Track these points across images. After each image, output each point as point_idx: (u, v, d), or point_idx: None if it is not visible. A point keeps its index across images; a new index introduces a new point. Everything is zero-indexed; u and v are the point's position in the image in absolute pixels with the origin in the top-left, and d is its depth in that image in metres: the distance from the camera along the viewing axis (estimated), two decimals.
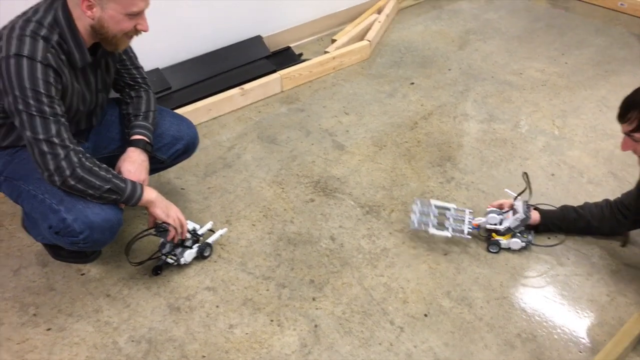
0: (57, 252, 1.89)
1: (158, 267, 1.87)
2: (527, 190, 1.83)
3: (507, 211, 1.91)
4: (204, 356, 1.61)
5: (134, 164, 1.76)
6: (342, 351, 1.62)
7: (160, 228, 1.78)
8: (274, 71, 2.78)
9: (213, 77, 2.73)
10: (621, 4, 3.42)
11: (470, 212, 1.97)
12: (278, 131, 2.51)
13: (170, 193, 2.18)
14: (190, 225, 1.89)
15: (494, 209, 1.92)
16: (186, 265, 1.87)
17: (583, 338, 1.65)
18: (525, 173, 1.85)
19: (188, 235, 1.85)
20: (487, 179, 2.22)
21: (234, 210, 2.10)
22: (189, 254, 1.85)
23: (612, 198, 2.10)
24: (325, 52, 2.95)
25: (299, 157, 2.35)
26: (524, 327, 1.68)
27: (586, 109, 2.61)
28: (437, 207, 1.98)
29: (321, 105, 2.68)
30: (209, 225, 1.98)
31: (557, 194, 2.14)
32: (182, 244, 1.85)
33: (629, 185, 2.15)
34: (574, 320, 1.70)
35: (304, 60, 2.91)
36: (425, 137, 2.45)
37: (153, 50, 2.63)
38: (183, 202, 2.14)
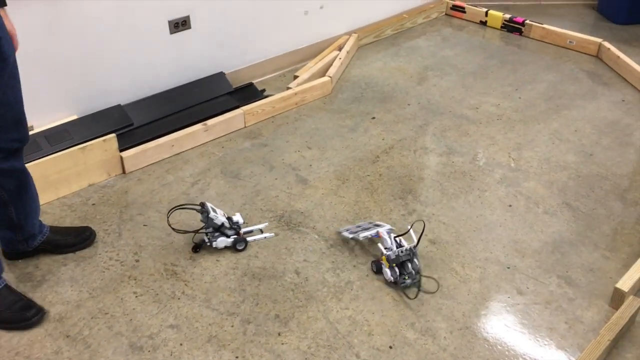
0: None
1: (198, 245, 2.05)
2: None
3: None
4: None
5: None
6: None
7: (204, 209, 1.98)
8: (237, 107, 2.81)
9: (176, 113, 2.74)
10: (570, 42, 3.59)
11: (391, 229, 2.07)
12: (241, 166, 2.53)
13: (132, 230, 2.16)
14: (236, 217, 2.05)
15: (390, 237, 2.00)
16: (158, 300, 1.84)
17: None
18: (422, 221, 2.02)
19: (227, 224, 2.01)
20: (448, 210, 2.27)
21: None
22: (222, 241, 2.02)
23: (566, 228, 2.18)
24: (288, 88, 2.99)
25: (262, 191, 2.37)
26: (487, 357, 1.70)
27: (540, 141, 2.71)
28: (373, 223, 2.12)
29: (284, 140, 2.71)
30: (261, 225, 2.14)
31: (515, 224, 2.20)
32: (221, 231, 2.00)
33: (583, 215, 2.23)
34: (534, 349, 1.73)
35: (266, 96, 2.94)
36: (386, 171, 2.50)
37: (115, 86, 2.64)
38: (146, 239, 2.12)
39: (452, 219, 2.23)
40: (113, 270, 1.99)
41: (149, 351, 1.71)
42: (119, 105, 2.64)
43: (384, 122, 2.85)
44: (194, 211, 2.08)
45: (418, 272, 1.93)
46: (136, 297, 1.89)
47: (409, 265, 1.91)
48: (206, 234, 2.05)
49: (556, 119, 2.89)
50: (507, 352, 1.72)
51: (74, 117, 2.55)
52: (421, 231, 2.00)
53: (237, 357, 1.69)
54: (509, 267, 2.01)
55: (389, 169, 2.51)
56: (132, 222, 2.20)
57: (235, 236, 2.05)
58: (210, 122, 2.68)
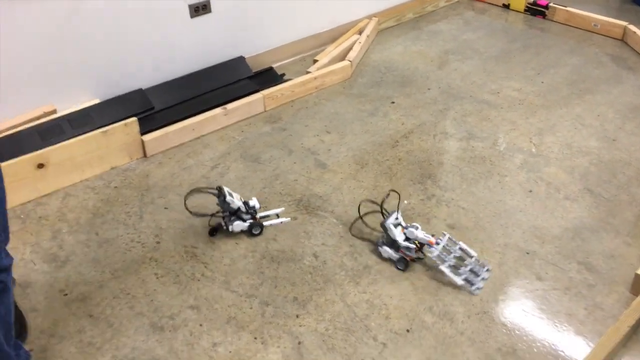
0: None
1: (214, 229, 2.08)
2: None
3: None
4: None
5: None
6: None
7: (221, 193, 2.01)
8: (257, 91, 2.82)
9: (196, 97, 2.76)
10: (594, 25, 3.52)
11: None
12: (261, 150, 2.54)
13: (153, 212, 2.19)
14: (252, 202, 2.06)
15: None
16: (178, 281, 1.88)
17: (562, 351, 1.68)
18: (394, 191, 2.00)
19: (243, 209, 2.03)
20: (467, 195, 2.26)
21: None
22: (238, 225, 2.04)
23: (587, 214, 2.16)
24: (307, 72, 2.99)
25: (281, 175, 2.38)
26: (504, 342, 1.70)
27: (562, 126, 2.67)
28: (461, 248, 1.96)
29: (303, 124, 2.71)
30: (277, 210, 2.13)
31: (535, 210, 2.19)
32: (238, 215, 2.02)
33: (604, 201, 2.21)
34: (552, 334, 1.73)
35: (286, 80, 2.94)
36: (406, 155, 2.49)
37: (136, 70, 2.66)
38: (167, 222, 2.15)
39: (471, 204, 2.22)
40: (134, 252, 2.02)
41: (170, 331, 1.74)
42: (140, 90, 2.66)
43: (404, 107, 2.84)
44: (212, 195, 2.10)
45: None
46: (157, 278, 1.92)
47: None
48: (223, 217, 2.07)
49: (579, 103, 2.85)
50: (525, 337, 1.72)
51: (96, 101, 2.58)
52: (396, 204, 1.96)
53: (255, 339, 1.71)
54: (528, 253, 2.00)
55: (409, 154, 2.50)
56: (153, 204, 2.23)
57: (251, 220, 2.06)
58: (230, 106, 2.70)
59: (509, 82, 3.04)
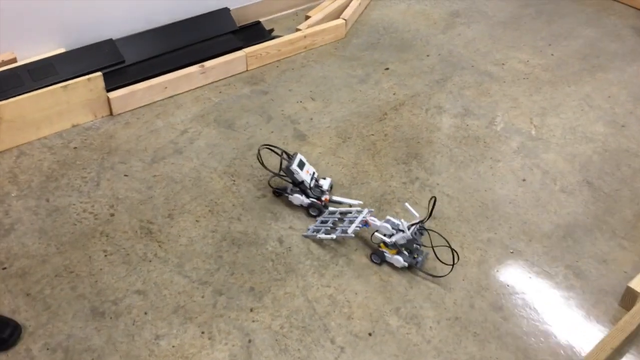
0: None
1: (279, 190, 1.95)
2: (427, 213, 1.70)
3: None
4: None
5: None
6: None
7: (289, 159, 1.89)
8: (240, 48, 2.59)
9: (172, 52, 2.54)
10: None
11: (370, 211, 1.82)
12: (237, 115, 2.34)
13: (112, 179, 2.02)
14: (324, 182, 1.93)
15: (392, 219, 1.75)
16: (128, 261, 1.73)
17: None
18: (434, 197, 1.69)
19: (308, 184, 1.87)
20: (454, 181, 2.07)
21: (178, 203, 1.94)
22: (296, 198, 1.89)
23: (583, 210, 1.97)
24: (297, 30, 2.75)
25: (255, 145, 2.18)
26: (474, 354, 1.55)
27: (567, 107, 2.45)
28: (340, 212, 1.86)
29: (287, 88, 2.50)
30: (355, 202, 1.92)
31: (527, 202, 2.00)
32: (302, 188, 1.89)
33: (604, 197, 2.02)
34: (529, 350, 1.57)
35: (274, 37, 2.71)
36: (393, 131, 2.29)
37: (107, 18, 2.44)
38: (125, 191, 1.98)
39: (457, 191, 2.03)
40: (85, 224, 1.86)
41: (111, 318, 1.59)
42: (110, 40, 2.45)
43: (398, 74, 2.61)
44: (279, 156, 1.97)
45: (422, 244, 1.75)
46: (105, 256, 1.76)
47: (415, 241, 1.72)
48: (291, 183, 1.91)
49: (589, 81, 2.61)
50: (496, 350, 1.56)
51: (62, 50, 2.37)
52: (432, 205, 1.71)
53: (202, 333, 1.57)
54: (512, 252, 1.83)
55: (396, 129, 2.30)
56: (113, 170, 2.06)
57: (314, 200, 1.89)
58: (208, 63, 2.48)
59: (516, 53, 2.79)
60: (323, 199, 1.89)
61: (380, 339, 1.57)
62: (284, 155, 1.94)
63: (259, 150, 1.99)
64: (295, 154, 1.92)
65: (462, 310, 1.65)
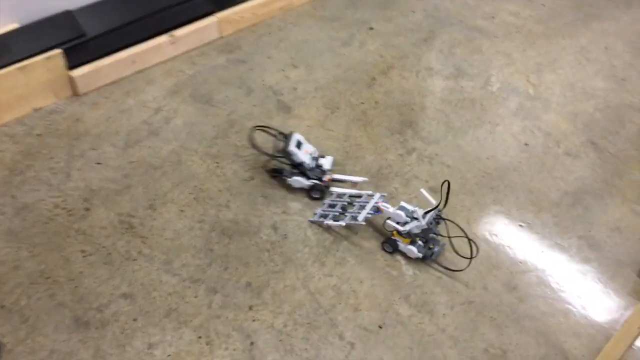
0: None
1: (276, 170, 1.80)
2: (442, 200, 1.53)
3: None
4: None
5: None
6: None
7: (286, 140, 1.74)
8: (211, 13, 2.38)
9: (137, 21, 2.31)
10: None
11: (382, 195, 1.67)
12: (214, 88, 2.16)
13: (83, 169, 1.84)
14: (324, 160, 1.78)
15: (406, 205, 1.60)
16: (110, 261, 1.57)
17: (557, 354, 1.45)
18: (447, 181, 1.52)
19: (308, 165, 1.73)
20: (453, 150, 1.95)
21: (159, 192, 1.78)
22: (296, 181, 1.75)
23: (590, 174, 1.87)
24: None
25: (238, 122, 2.02)
26: (492, 341, 1.46)
27: (564, 62, 2.32)
28: (350, 196, 1.72)
29: (266, 55, 2.31)
30: (358, 179, 1.76)
31: (531, 168, 1.89)
32: (301, 170, 1.75)
33: (610, 158, 1.92)
34: (547, 335, 1.48)
35: None
36: (383, 97, 2.14)
37: None
38: (99, 181, 1.80)
39: (457, 161, 1.91)
40: (58, 222, 1.69)
41: (97, 328, 1.45)
42: (68, 12, 2.21)
43: (383, 34, 2.44)
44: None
45: (439, 233, 1.62)
46: (84, 257, 1.60)
47: (431, 230, 1.58)
48: (289, 164, 1.77)
49: (584, 33, 2.48)
50: (515, 335, 1.47)
51: (15, 26, 2.13)
52: (447, 191, 1.54)
53: (199, 337, 1.44)
54: (521, 225, 1.72)
55: (387, 95, 2.15)
56: (84, 158, 1.88)
57: (315, 181, 1.74)
58: (178, 32, 2.27)
59: (505, 4, 2.64)
60: (325, 179, 1.75)
61: (392, 331, 1.47)
62: (280, 136, 1.78)
63: (251, 133, 1.83)
64: (292, 133, 1.76)
65: (476, 293, 1.55)
